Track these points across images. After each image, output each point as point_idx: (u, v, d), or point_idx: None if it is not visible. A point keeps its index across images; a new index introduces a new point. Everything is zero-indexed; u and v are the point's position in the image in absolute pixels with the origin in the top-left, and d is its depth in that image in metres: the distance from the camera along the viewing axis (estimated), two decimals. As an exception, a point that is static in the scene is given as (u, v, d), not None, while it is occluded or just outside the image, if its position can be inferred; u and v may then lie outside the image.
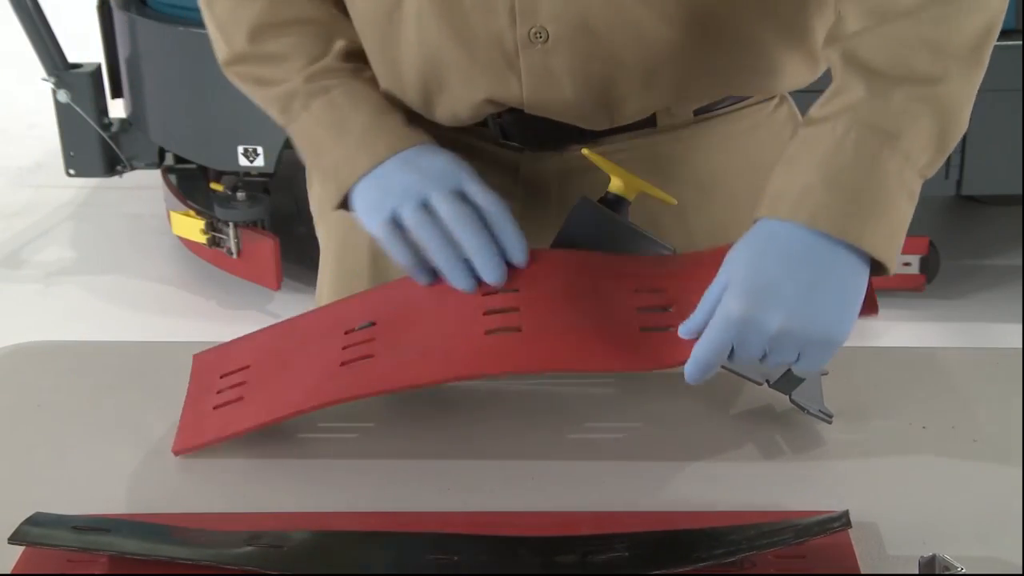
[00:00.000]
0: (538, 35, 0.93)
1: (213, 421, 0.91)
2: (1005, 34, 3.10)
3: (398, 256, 0.91)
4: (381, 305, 0.93)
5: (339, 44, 0.99)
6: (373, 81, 1.00)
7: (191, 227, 2.94)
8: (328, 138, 0.96)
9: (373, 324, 0.91)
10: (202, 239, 2.92)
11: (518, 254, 0.89)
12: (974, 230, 3.28)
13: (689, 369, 0.83)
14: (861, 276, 0.82)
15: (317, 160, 0.99)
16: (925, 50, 0.84)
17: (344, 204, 0.96)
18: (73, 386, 0.99)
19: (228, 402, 0.92)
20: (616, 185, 0.96)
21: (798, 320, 0.80)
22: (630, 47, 0.94)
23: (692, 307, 0.85)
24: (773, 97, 1.07)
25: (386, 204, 0.91)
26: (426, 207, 0.90)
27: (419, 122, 0.99)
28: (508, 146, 1.03)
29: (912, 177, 0.83)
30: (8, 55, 3.88)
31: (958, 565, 0.72)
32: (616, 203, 0.96)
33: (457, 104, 0.99)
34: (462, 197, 0.90)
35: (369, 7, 0.98)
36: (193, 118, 2.93)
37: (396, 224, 0.91)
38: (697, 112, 1.02)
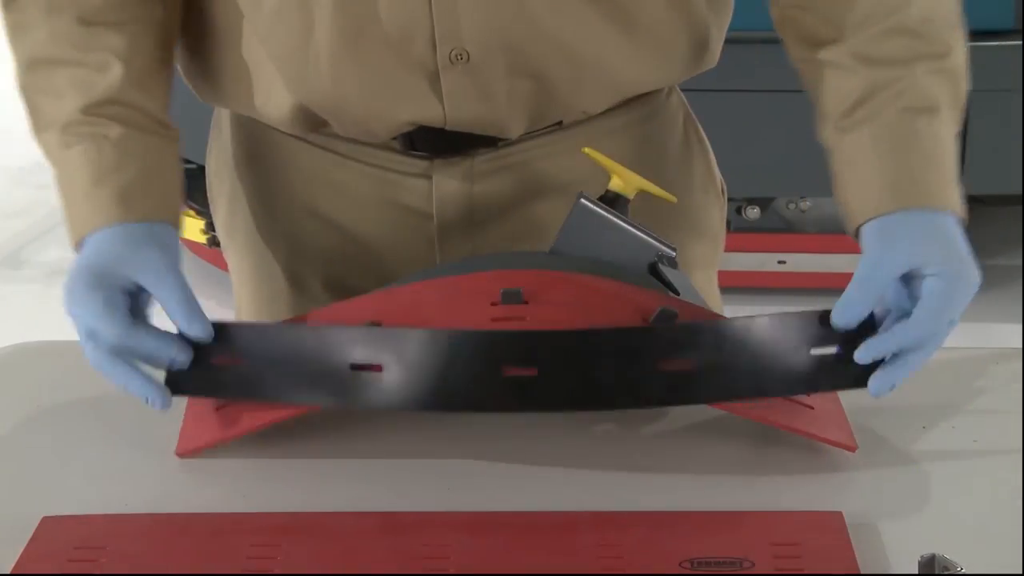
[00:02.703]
0: (459, 56, 0.92)
1: (215, 421, 0.90)
2: (1004, 34, 3.08)
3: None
4: (387, 306, 0.93)
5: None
6: (143, 130, 1.01)
7: (191, 227, 2.93)
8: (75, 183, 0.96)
9: (378, 324, 0.91)
10: (202, 239, 2.91)
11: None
12: (974, 230, 3.24)
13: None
14: None
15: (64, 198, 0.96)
16: (929, 28, 0.91)
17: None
18: (73, 386, 0.99)
19: (230, 402, 0.92)
20: (616, 183, 0.96)
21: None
22: (553, 59, 0.95)
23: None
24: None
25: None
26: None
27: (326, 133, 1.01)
28: (416, 155, 1.03)
29: (954, 137, 0.92)
30: (8, 55, 3.87)
31: (958, 565, 0.73)
32: (615, 201, 0.96)
33: (375, 124, 0.99)
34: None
35: (280, 41, 0.96)
36: (193, 118, 2.93)
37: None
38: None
